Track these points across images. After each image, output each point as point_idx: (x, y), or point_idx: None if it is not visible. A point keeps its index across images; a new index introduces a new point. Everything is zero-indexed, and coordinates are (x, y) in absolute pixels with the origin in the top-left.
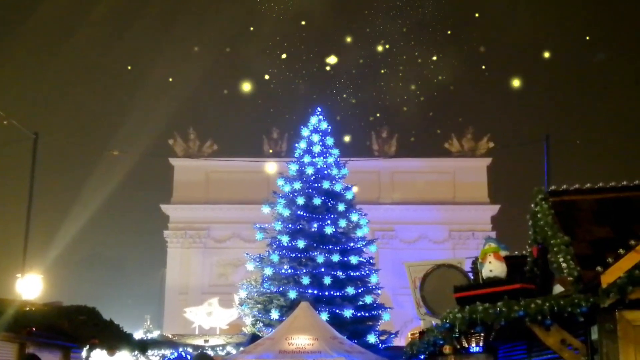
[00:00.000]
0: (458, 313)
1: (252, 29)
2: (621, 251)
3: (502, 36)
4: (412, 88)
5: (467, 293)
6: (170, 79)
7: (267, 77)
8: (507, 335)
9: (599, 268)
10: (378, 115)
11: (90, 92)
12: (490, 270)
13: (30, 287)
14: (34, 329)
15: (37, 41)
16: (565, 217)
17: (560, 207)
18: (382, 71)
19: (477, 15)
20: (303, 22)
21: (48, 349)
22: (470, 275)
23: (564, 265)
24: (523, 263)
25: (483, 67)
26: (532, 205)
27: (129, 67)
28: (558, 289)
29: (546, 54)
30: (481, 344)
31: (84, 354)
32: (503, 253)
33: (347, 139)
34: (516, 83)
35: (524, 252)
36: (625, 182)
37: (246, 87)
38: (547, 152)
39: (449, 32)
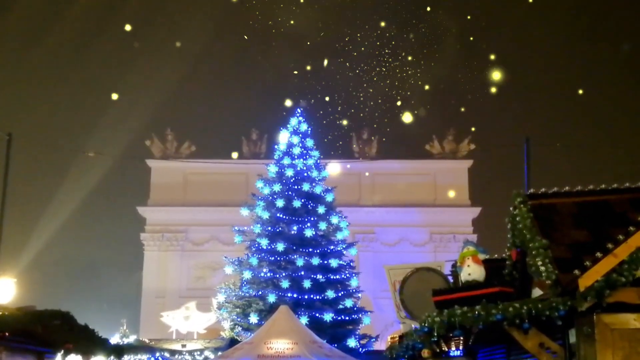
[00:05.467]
0: (437, 317)
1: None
2: (599, 255)
3: (483, 39)
4: (393, 91)
5: (446, 297)
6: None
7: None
8: (486, 338)
9: (576, 271)
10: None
11: (66, 93)
12: (469, 274)
13: (3, 291)
14: (6, 334)
15: (10, 41)
16: (544, 221)
17: (539, 210)
18: (375, 73)
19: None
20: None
21: (21, 354)
22: (450, 278)
23: (542, 268)
24: (502, 266)
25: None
26: (511, 209)
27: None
28: (537, 292)
29: (528, 57)
30: (460, 347)
31: (58, 359)
32: (481, 256)
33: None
34: (497, 86)
35: (503, 255)
36: (604, 185)
37: (227, 87)
38: (527, 155)
39: (436, 33)
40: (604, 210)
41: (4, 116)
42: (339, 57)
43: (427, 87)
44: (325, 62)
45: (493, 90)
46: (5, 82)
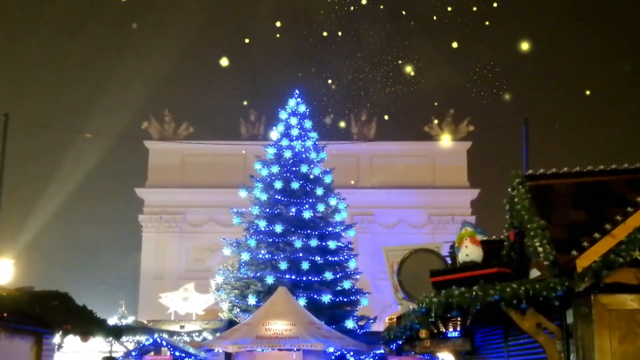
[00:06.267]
0: (434, 297)
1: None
2: (596, 235)
3: (483, 20)
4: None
5: (444, 277)
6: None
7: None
8: (484, 319)
9: (574, 252)
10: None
11: (63, 73)
12: (467, 255)
13: (2, 272)
14: (5, 314)
15: (6, 20)
16: (541, 201)
17: (537, 191)
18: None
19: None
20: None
21: (20, 335)
22: (448, 259)
23: (539, 249)
24: (500, 247)
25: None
26: (509, 190)
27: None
28: (534, 273)
29: (527, 41)
30: (458, 328)
31: (56, 339)
32: (479, 237)
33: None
34: (497, 66)
35: (501, 236)
36: (602, 166)
37: (224, 62)
38: (526, 136)
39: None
40: (602, 191)
41: (1, 97)
42: (338, 39)
43: (427, 68)
44: (325, 33)
45: (493, 70)
46: (2, 63)
